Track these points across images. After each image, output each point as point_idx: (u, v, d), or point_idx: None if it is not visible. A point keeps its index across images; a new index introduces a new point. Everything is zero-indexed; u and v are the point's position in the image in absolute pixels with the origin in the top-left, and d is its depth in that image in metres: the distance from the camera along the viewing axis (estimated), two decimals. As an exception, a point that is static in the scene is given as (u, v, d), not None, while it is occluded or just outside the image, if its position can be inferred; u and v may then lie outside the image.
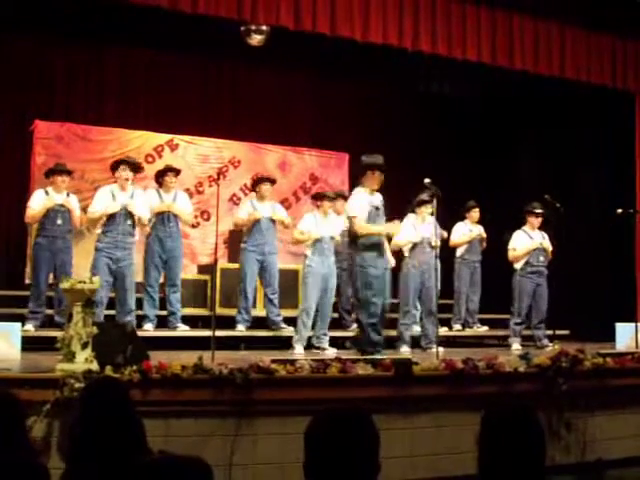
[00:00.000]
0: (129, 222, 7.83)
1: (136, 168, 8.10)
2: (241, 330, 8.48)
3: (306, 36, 7.93)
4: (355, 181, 9.81)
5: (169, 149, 10.86)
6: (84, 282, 5.30)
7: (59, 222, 7.96)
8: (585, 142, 10.41)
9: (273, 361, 5.61)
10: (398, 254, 8.58)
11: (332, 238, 8.28)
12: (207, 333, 7.08)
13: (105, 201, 7.80)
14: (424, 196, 8.41)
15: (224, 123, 11.17)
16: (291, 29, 7.64)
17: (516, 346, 8.67)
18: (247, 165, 11.35)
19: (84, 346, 5.17)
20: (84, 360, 5.13)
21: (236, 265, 9.04)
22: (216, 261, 7.65)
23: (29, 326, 7.58)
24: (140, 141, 10.73)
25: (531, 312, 9.00)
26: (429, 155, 11.40)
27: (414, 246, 8.49)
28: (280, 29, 7.86)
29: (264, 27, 8.96)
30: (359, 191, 7.38)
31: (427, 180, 7.37)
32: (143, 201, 8.06)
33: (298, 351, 7.71)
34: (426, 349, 8.17)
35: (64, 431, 4.74)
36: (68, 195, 8.18)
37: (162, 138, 10.85)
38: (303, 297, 8.20)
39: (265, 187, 8.89)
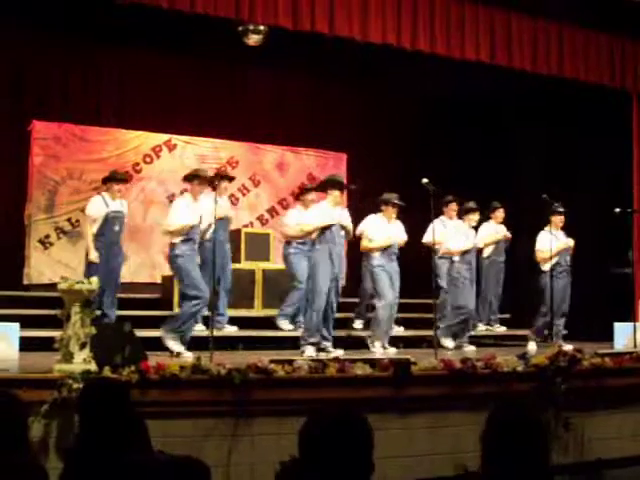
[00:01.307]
0: (201, 230, 7.75)
1: (211, 182, 8.09)
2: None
3: (304, 36, 7.91)
4: (353, 181, 9.87)
5: (167, 149, 10.86)
6: (82, 282, 5.29)
7: (116, 228, 8.06)
8: (583, 142, 10.40)
9: (271, 361, 5.61)
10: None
11: None
12: (206, 333, 7.07)
13: (186, 214, 7.46)
14: (471, 204, 8.88)
15: (222, 123, 11.14)
16: (289, 29, 7.62)
17: (532, 345, 8.57)
18: (245, 165, 11.35)
19: (82, 346, 5.16)
20: (82, 360, 5.13)
21: (235, 265, 9.04)
22: (214, 261, 7.63)
23: None
24: (138, 141, 10.72)
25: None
26: (427, 155, 11.39)
27: (465, 252, 8.71)
28: (278, 29, 7.84)
29: (262, 27, 8.95)
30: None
31: (425, 180, 7.36)
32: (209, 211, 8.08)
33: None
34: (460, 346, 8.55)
35: (62, 431, 4.76)
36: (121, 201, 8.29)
37: (160, 138, 10.84)
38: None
39: (310, 197, 8.89)
